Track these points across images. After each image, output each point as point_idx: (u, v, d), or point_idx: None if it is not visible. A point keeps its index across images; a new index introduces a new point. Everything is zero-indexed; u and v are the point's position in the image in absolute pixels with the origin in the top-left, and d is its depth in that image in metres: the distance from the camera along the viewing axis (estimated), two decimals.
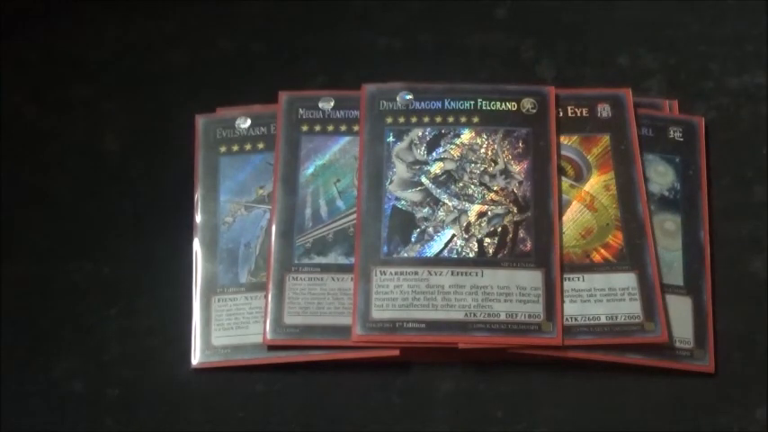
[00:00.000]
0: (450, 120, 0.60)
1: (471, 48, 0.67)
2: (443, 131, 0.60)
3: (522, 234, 0.57)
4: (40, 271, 0.61)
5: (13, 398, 0.57)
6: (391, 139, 0.60)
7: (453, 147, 0.60)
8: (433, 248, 0.57)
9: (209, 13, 0.68)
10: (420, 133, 0.60)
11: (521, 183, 0.58)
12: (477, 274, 0.56)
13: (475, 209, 0.58)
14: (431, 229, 0.57)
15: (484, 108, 0.60)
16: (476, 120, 0.60)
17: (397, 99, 0.61)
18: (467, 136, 0.60)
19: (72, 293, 0.60)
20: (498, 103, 0.61)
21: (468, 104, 0.61)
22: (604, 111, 0.61)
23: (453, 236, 0.57)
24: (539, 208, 0.58)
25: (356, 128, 0.60)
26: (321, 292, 0.56)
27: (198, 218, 0.60)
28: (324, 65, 0.65)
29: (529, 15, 0.68)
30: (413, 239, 0.57)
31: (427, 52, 0.66)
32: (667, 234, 0.59)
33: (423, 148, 0.60)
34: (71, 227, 0.62)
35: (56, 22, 0.68)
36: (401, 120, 0.60)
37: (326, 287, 0.56)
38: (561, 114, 0.61)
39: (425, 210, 0.58)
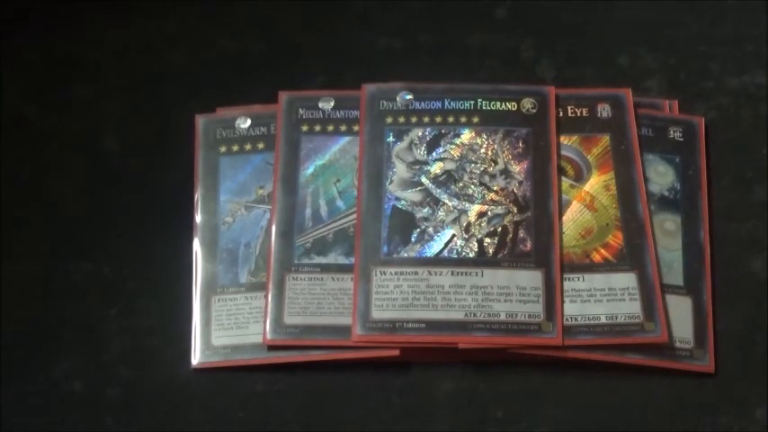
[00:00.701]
0: (450, 120, 0.60)
1: (471, 48, 0.67)
2: (443, 131, 0.60)
3: (522, 234, 0.57)
4: (41, 271, 0.60)
5: (13, 398, 0.57)
6: (391, 139, 0.60)
7: (453, 147, 0.59)
8: (433, 248, 0.57)
9: (210, 13, 0.68)
10: (420, 133, 0.60)
11: (521, 183, 0.58)
12: (477, 274, 0.56)
13: (475, 209, 0.58)
14: (431, 229, 0.57)
15: (484, 108, 0.60)
16: (476, 120, 0.60)
17: (397, 99, 0.61)
18: (467, 136, 0.60)
19: (72, 293, 0.60)
20: (498, 103, 0.60)
21: (468, 104, 0.60)
22: (604, 111, 0.61)
23: (453, 236, 0.57)
24: (539, 208, 0.58)
25: (356, 128, 0.60)
26: (321, 292, 0.56)
27: (198, 218, 0.60)
28: (324, 65, 0.65)
29: (529, 15, 0.68)
30: (413, 239, 0.57)
31: (427, 52, 0.66)
32: (667, 234, 0.58)
33: (423, 148, 0.59)
34: (71, 227, 0.62)
35: (56, 22, 0.68)
36: (401, 120, 0.60)
37: (326, 287, 0.56)
38: (561, 114, 0.61)
39: (425, 210, 0.58)
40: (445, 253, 0.57)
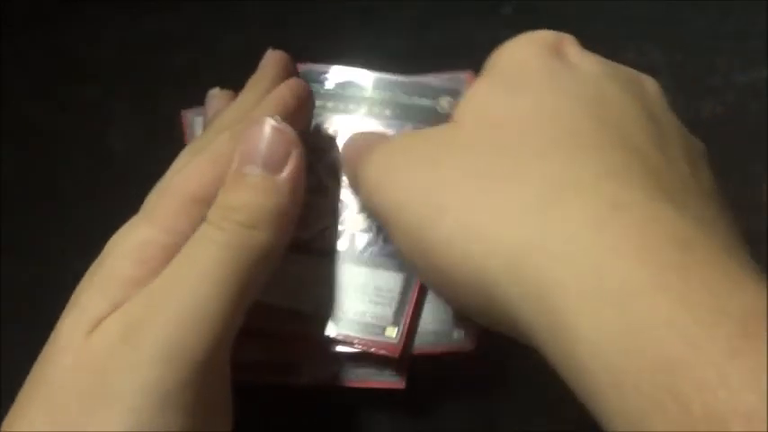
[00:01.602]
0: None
1: (478, 44, 0.66)
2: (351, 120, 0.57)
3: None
4: (45, 271, 0.61)
5: (14, 398, 0.57)
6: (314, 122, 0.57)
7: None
8: (306, 237, 0.54)
9: (215, 13, 0.68)
10: (331, 120, 0.58)
11: None
12: (340, 268, 0.54)
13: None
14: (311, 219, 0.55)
15: (401, 102, 0.58)
16: (388, 112, 0.58)
17: (324, 82, 0.59)
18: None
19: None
20: (416, 98, 0.58)
21: (387, 95, 0.58)
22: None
23: (327, 227, 0.55)
24: None
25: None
26: None
27: None
28: (327, 63, 0.65)
29: (536, 11, 0.67)
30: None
31: (433, 49, 0.66)
32: None
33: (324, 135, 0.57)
34: (76, 227, 0.62)
35: (60, 20, 0.68)
36: (319, 103, 0.58)
37: None
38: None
39: (317, 197, 0.55)
40: (317, 243, 0.54)
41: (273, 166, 0.44)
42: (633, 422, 0.30)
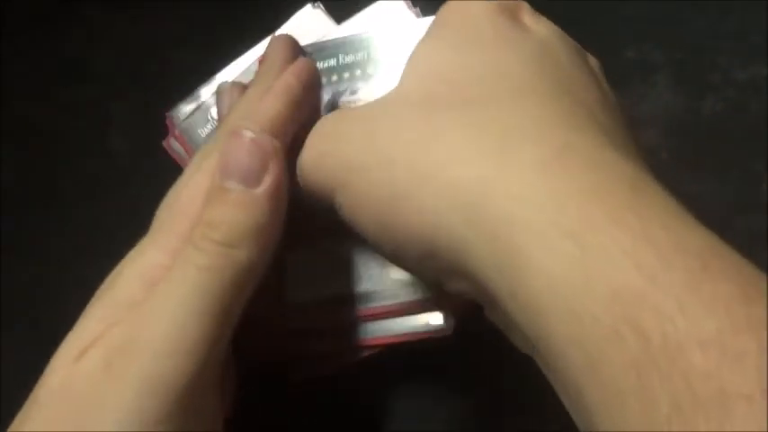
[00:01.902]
0: (346, 75, 0.55)
1: None
2: (341, 89, 0.55)
3: None
4: (46, 272, 0.61)
5: (16, 400, 0.56)
6: None
7: (353, 104, 0.54)
8: None
9: (215, 14, 0.68)
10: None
11: None
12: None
13: None
14: None
15: (379, 57, 0.55)
16: (370, 70, 0.54)
17: None
18: (363, 92, 0.54)
19: (78, 295, 0.60)
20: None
21: (361, 55, 0.55)
22: None
23: None
24: None
25: None
26: None
27: None
28: None
29: (536, 10, 0.67)
30: None
31: None
32: None
33: (325, 112, 0.54)
34: (76, 227, 0.62)
35: (60, 20, 0.68)
36: None
37: None
38: None
39: None
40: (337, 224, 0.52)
41: (251, 180, 0.42)
42: (590, 355, 0.30)
